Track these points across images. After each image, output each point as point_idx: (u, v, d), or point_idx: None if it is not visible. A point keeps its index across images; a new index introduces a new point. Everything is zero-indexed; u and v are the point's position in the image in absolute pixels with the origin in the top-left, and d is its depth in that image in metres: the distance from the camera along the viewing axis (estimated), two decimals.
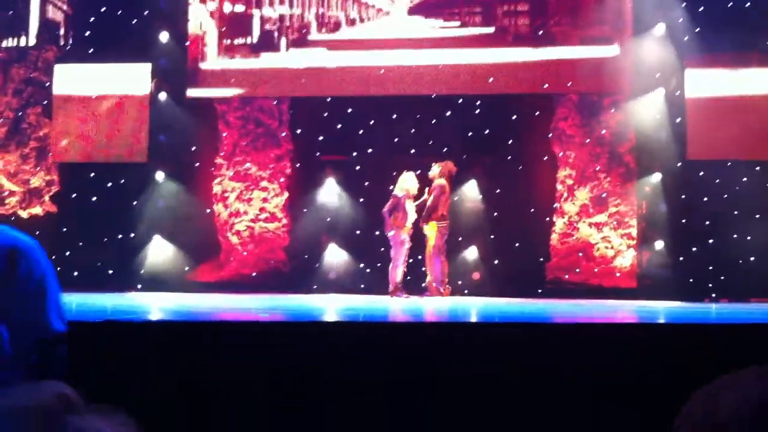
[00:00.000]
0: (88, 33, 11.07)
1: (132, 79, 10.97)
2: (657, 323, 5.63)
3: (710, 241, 9.84)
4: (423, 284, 9.40)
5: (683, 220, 9.99)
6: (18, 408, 0.66)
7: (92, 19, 11.00)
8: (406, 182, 9.26)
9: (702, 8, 10.05)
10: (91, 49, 10.97)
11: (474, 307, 7.71)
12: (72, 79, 11.08)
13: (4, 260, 2.32)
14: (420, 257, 9.53)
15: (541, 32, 10.46)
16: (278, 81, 10.93)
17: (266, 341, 4.33)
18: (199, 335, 3.96)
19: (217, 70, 10.96)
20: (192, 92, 10.98)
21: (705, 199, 9.88)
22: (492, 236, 10.39)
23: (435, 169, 9.36)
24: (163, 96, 10.99)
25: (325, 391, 4.06)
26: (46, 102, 11.21)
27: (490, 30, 10.64)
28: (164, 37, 11.00)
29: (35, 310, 2.42)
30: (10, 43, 11.32)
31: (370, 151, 10.69)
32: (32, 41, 11.29)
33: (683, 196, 9.99)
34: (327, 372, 4.12)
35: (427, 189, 9.34)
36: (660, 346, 4.34)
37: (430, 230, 9.12)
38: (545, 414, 3.99)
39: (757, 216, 9.69)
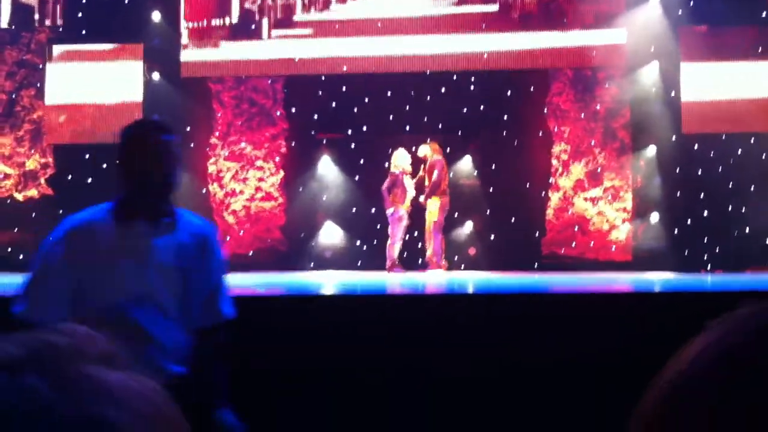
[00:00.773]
0: (80, 14, 11.01)
1: (125, 59, 10.93)
2: (653, 292, 5.67)
3: (705, 213, 9.88)
4: (422, 260, 9.44)
5: (678, 193, 10.02)
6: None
7: (84, 0, 10.95)
8: (401, 159, 9.27)
9: None
10: (84, 31, 10.92)
11: (472, 282, 7.75)
12: (65, 61, 11.03)
13: (208, 241, 2.49)
14: (417, 234, 9.56)
15: (548, 10, 10.41)
16: (270, 63, 10.89)
17: (266, 315, 4.36)
18: None
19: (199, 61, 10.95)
20: (185, 72, 10.96)
21: (699, 172, 9.90)
22: (488, 211, 10.42)
23: (425, 148, 9.38)
24: (156, 76, 10.96)
25: (326, 365, 4.09)
26: (39, 84, 11.16)
27: (494, 8, 10.58)
28: (156, 16, 10.96)
29: (219, 293, 2.54)
30: None
31: (364, 129, 10.68)
32: (4, 24, 11.22)
33: (677, 170, 10.02)
34: (327, 345, 4.15)
35: (423, 166, 9.36)
36: (656, 314, 4.37)
37: (434, 205, 9.15)
38: (546, 385, 4.03)
39: (752, 187, 9.73)
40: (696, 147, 9.98)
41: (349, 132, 10.73)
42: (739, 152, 9.86)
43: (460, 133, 10.21)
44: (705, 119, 10.01)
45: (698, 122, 10.03)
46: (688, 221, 9.94)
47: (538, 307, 4.73)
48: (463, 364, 4.07)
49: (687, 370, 0.62)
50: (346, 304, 4.98)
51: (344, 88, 10.70)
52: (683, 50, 10.14)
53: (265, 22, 10.96)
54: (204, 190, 10.96)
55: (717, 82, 10.02)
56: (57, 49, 11.07)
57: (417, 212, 9.33)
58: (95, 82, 10.96)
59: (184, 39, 11.02)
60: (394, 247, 9.19)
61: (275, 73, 11.00)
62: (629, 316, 4.38)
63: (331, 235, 10.69)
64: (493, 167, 10.45)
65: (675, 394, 0.61)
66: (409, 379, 4.10)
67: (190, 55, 11.03)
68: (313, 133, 10.86)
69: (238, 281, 7.58)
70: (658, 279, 7.92)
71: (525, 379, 4.04)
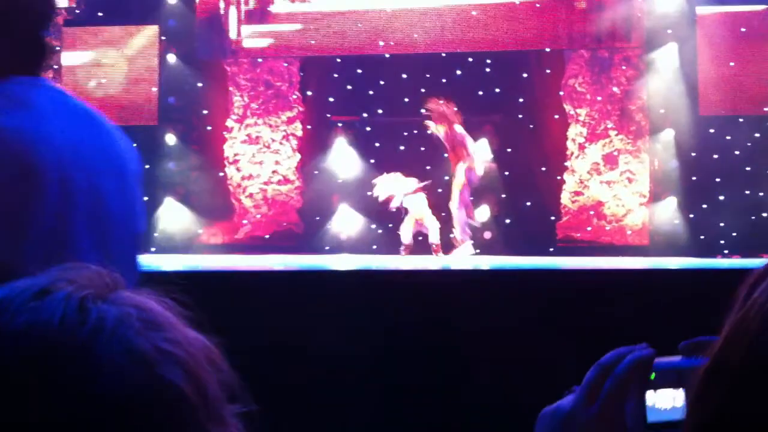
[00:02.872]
0: None
1: (140, 41, 10.97)
2: (669, 269, 5.66)
3: (721, 197, 9.82)
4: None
5: (693, 177, 9.97)
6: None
7: None
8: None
9: None
10: (100, 12, 10.96)
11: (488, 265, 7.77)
12: (80, 43, 11.09)
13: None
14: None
15: None
16: (286, 39, 10.90)
17: (284, 291, 4.40)
18: (214, 285, 4.02)
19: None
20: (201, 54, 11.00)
21: (716, 156, 9.85)
22: (503, 195, 10.41)
23: (439, 128, 9.33)
24: (172, 58, 10.99)
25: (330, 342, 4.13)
26: (57, 66, 11.22)
27: None
28: None
29: None
30: None
31: (380, 111, 10.69)
32: None
33: (693, 153, 9.96)
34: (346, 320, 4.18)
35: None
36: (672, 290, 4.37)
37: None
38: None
39: None
40: (713, 131, 9.91)
41: (365, 115, 10.74)
42: (757, 136, 9.79)
43: (475, 116, 10.19)
44: (723, 102, 9.94)
45: (716, 105, 9.97)
46: (704, 206, 9.90)
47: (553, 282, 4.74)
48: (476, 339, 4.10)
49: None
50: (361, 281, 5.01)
51: (359, 71, 10.70)
52: (701, 32, 10.05)
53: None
54: (221, 174, 11.01)
55: (735, 64, 9.93)
56: (72, 31, 11.12)
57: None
58: (110, 64, 11.01)
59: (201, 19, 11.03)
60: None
61: (292, 54, 11.00)
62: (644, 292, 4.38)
63: (346, 219, 10.73)
64: (509, 150, 10.43)
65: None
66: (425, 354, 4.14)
67: (206, 35, 11.04)
68: (328, 116, 10.88)
69: (255, 263, 7.68)
70: (674, 264, 7.91)
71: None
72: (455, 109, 9.31)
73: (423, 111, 9.46)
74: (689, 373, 0.99)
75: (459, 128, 9.18)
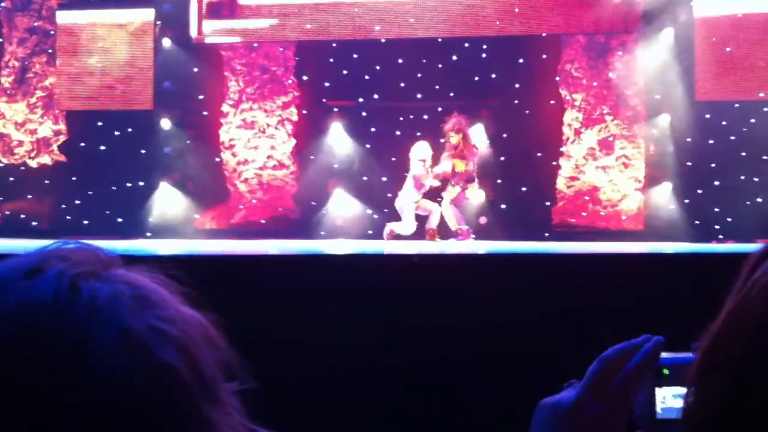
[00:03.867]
0: None
1: (136, 25, 10.92)
2: (664, 254, 5.67)
3: (716, 183, 9.84)
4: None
5: (689, 163, 9.97)
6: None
7: None
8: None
9: None
10: None
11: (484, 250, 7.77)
12: (75, 26, 11.03)
13: None
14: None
15: None
16: (282, 25, 10.85)
17: (279, 275, 4.39)
18: (210, 270, 4.02)
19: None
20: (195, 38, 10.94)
21: (711, 141, 9.85)
22: (499, 180, 10.41)
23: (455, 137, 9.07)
24: (167, 42, 10.95)
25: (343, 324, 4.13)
26: (51, 50, 11.17)
27: None
28: None
29: None
30: None
31: (376, 96, 10.66)
32: None
33: (689, 139, 9.96)
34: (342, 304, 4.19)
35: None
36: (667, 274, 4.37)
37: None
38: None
39: (765, 157, 9.67)
40: (708, 116, 9.91)
41: (360, 100, 10.71)
42: (752, 121, 9.79)
43: (472, 101, 10.16)
44: (719, 87, 9.93)
45: (712, 90, 9.96)
46: (699, 191, 9.91)
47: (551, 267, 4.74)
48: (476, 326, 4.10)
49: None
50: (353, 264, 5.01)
51: (355, 56, 10.67)
52: (697, 17, 10.04)
53: None
54: (217, 159, 10.98)
55: (732, 50, 9.92)
56: (67, 14, 11.06)
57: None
58: (105, 48, 10.96)
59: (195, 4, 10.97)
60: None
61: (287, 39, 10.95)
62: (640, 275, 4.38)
63: (342, 204, 10.72)
64: (505, 135, 10.42)
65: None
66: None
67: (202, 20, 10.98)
68: (324, 100, 10.85)
69: (250, 248, 7.67)
70: (669, 249, 7.92)
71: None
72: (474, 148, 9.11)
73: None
74: None
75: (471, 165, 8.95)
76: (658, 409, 1.01)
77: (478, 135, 10.31)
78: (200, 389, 0.64)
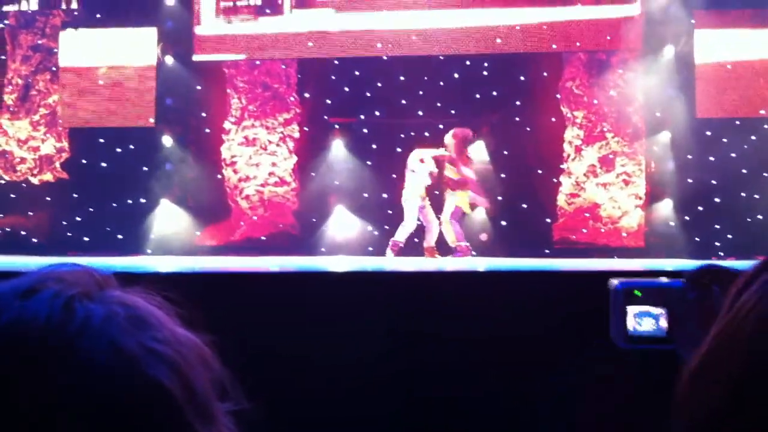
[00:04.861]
0: None
1: (138, 43, 10.98)
2: (665, 271, 5.67)
3: (717, 200, 9.84)
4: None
5: (689, 180, 9.99)
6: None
7: None
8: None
9: None
10: (98, 14, 10.97)
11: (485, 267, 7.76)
12: (78, 45, 11.09)
13: None
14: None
15: None
16: (283, 44, 10.90)
17: (277, 292, 4.40)
18: (210, 286, 4.03)
19: (214, 36, 10.94)
20: (197, 56, 10.98)
21: (712, 158, 9.87)
22: (499, 197, 10.42)
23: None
24: (169, 60, 11.00)
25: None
26: (54, 68, 11.23)
27: None
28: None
29: None
30: (14, 7, 11.31)
31: (377, 113, 10.69)
32: (34, 6, 11.28)
33: (689, 156, 9.98)
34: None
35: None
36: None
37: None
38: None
39: (765, 174, 9.68)
40: (709, 133, 9.93)
41: (362, 116, 10.74)
42: (753, 138, 9.81)
43: (473, 118, 10.20)
44: (719, 104, 9.96)
45: (713, 107, 9.99)
46: (700, 208, 9.91)
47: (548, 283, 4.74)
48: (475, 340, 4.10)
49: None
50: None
51: (357, 72, 10.71)
52: (699, 33, 10.08)
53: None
54: (219, 176, 11.00)
55: (734, 67, 9.96)
56: (71, 33, 11.12)
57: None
58: (108, 66, 11.01)
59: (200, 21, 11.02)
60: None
61: (290, 55, 11.00)
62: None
63: (342, 221, 10.73)
64: (506, 152, 10.44)
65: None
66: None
67: (205, 35, 11.03)
68: (325, 117, 10.88)
69: (251, 264, 7.68)
70: (669, 266, 7.92)
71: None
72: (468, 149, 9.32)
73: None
74: (671, 293, 1.08)
75: (467, 171, 9.13)
76: (630, 327, 1.10)
77: (479, 151, 10.35)
78: (193, 408, 0.64)
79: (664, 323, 1.09)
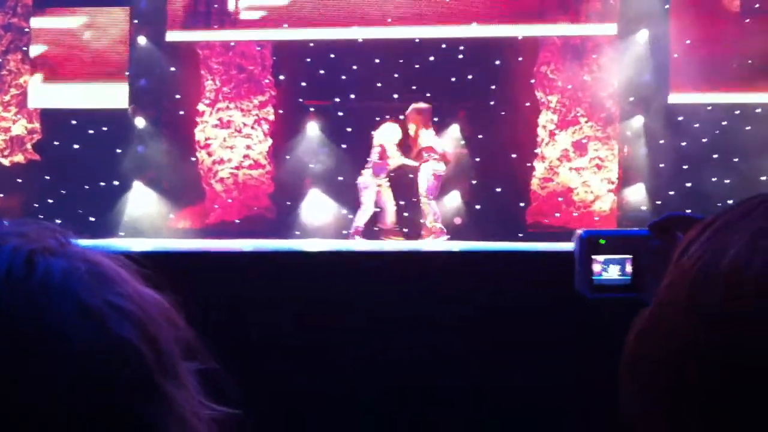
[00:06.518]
0: None
1: (111, 23, 10.85)
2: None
3: (688, 184, 9.94)
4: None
5: (661, 164, 10.08)
6: None
7: None
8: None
9: None
10: None
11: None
12: (50, 24, 10.95)
13: None
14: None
15: None
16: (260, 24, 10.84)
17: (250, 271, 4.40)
18: (184, 265, 4.02)
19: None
20: (171, 36, 10.88)
21: (683, 143, 9.96)
22: (474, 181, 10.45)
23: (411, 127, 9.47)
24: (142, 40, 10.88)
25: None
26: (26, 48, 11.07)
27: None
28: None
29: None
30: None
31: (352, 96, 10.67)
32: None
33: (662, 140, 10.07)
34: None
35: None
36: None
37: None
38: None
39: (736, 159, 9.79)
40: (681, 118, 10.02)
41: (337, 99, 10.71)
42: (724, 124, 9.91)
43: (448, 102, 10.21)
44: (692, 90, 10.04)
45: (685, 93, 10.07)
46: (671, 192, 10.01)
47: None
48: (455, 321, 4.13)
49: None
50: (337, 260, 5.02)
51: (332, 55, 10.67)
52: (673, 19, 10.14)
53: None
54: (193, 159, 10.93)
55: (707, 52, 10.03)
56: (42, 12, 10.97)
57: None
58: (80, 46, 10.89)
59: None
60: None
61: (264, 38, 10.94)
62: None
63: (317, 204, 10.72)
64: (480, 137, 10.46)
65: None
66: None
67: (178, 18, 10.93)
68: (300, 100, 10.84)
69: (225, 246, 7.66)
70: None
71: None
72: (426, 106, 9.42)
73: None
74: (636, 241, 1.11)
75: (428, 133, 9.25)
76: (596, 275, 1.12)
77: (454, 135, 10.38)
78: (159, 366, 0.63)
79: (629, 269, 1.12)
